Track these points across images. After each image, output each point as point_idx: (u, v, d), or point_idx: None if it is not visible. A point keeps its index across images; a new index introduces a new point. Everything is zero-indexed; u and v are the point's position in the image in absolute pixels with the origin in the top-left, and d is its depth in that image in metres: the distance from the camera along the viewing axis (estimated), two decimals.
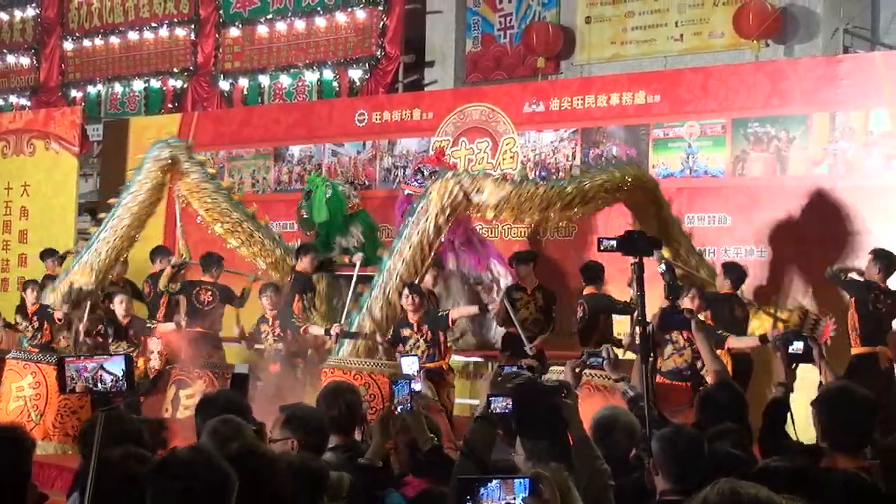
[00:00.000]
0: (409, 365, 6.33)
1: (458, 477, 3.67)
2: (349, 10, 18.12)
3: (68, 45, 21.71)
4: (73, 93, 21.42)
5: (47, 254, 14.76)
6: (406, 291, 11.11)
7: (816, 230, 11.27)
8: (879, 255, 10.08)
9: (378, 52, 17.69)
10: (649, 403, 5.56)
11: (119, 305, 12.05)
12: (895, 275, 10.07)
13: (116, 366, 3.61)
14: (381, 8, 17.69)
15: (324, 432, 5.21)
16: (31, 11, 22.27)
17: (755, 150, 11.90)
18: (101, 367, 3.59)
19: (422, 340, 10.94)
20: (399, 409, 5.26)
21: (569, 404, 4.91)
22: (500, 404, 4.84)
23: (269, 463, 3.97)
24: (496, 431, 4.86)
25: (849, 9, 14.37)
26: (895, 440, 4.64)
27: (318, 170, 15.02)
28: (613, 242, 5.92)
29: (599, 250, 6.21)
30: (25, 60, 22.39)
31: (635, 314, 6.81)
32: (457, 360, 11.93)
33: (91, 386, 3.62)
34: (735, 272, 10.64)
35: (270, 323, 11.75)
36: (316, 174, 14.59)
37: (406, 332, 10.99)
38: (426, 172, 13.26)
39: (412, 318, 11.00)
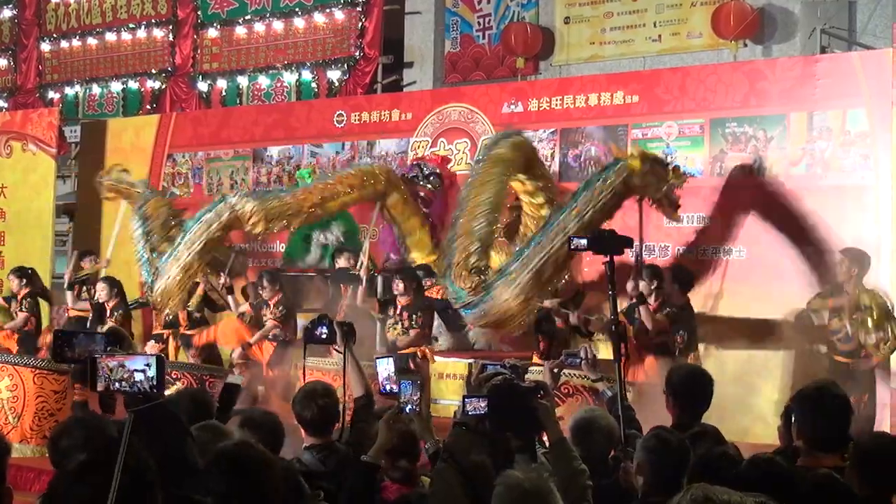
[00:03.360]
0: (385, 367, 6.28)
1: None
2: (327, 10, 18.11)
3: (46, 47, 21.64)
4: (51, 94, 21.36)
5: (85, 254, 14.72)
6: (395, 277, 11.23)
7: (794, 230, 11.29)
8: (851, 254, 10.04)
9: (357, 53, 17.68)
10: (625, 403, 5.56)
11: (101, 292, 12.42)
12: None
13: (144, 364, 3.57)
14: (359, 9, 17.67)
15: (279, 434, 5.23)
16: (7, 12, 22.17)
17: (733, 150, 11.91)
18: (129, 367, 3.54)
19: (399, 325, 11.05)
20: (407, 408, 5.24)
21: (545, 405, 4.91)
22: (475, 405, 4.83)
23: (264, 463, 3.96)
24: (475, 436, 4.86)
25: (826, 9, 14.42)
26: (866, 442, 4.64)
27: (308, 166, 14.99)
28: (584, 241, 5.91)
29: (570, 249, 6.19)
30: (2, 62, 22.31)
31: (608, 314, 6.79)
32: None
33: (112, 385, 3.57)
34: (684, 277, 10.68)
35: (272, 308, 12.04)
36: (307, 171, 14.60)
37: (390, 309, 11.16)
38: (426, 171, 13.35)
39: (399, 300, 11.08)
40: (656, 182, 10.68)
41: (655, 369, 10.01)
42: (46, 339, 12.76)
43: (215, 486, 3.70)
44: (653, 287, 10.42)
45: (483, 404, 4.83)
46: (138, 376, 3.52)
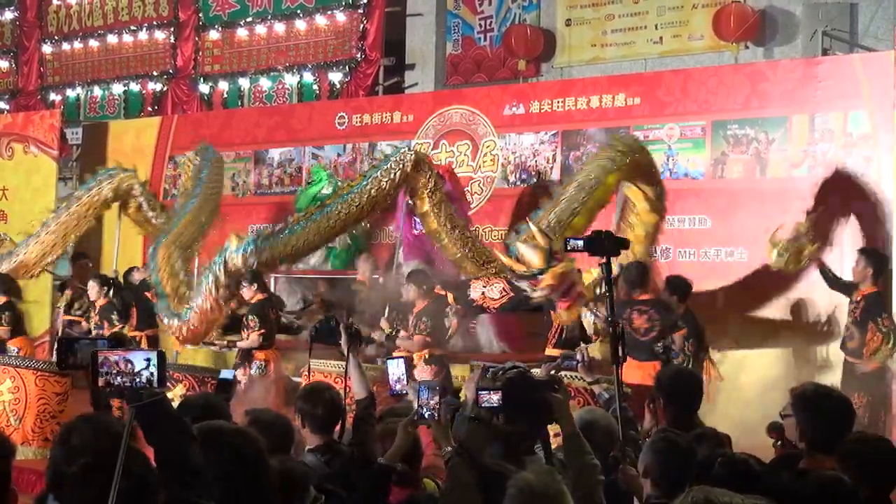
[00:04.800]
0: (396, 368, 6.23)
1: None
2: (329, 12, 18.10)
3: (47, 49, 21.64)
4: (53, 96, 21.35)
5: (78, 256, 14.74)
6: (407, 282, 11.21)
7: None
8: (867, 254, 10.05)
9: (358, 55, 17.67)
10: (622, 405, 5.56)
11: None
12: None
13: (145, 360, 3.59)
14: (361, 11, 17.67)
15: (288, 435, 5.23)
16: (9, 14, 22.17)
17: (735, 152, 11.93)
18: (129, 361, 3.56)
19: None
20: (426, 414, 5.22)
21: (559, 399, 4.90)
22: (489, 398, 4.82)
23: (261, 452, 3.97)
24: (489, 431, 4.85)
25: (828, 11, 14.41)
26: (860, 443, 4.64)
27: (324, 163, 14.97)
28: (580, 242, 5.89)
29: (566, 251, 6.17)
30: (4, 64, 22.30)
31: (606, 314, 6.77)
32: None
33: (113, 380, 3.58)
34: (681, 287, 10.44)
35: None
36: (321, 167, 14.60)
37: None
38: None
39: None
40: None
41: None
42: None
43: (217, 471, 3.69)
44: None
45: (496, 397, 4.82)
46: (140, 371, 3.53)
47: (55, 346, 11.46)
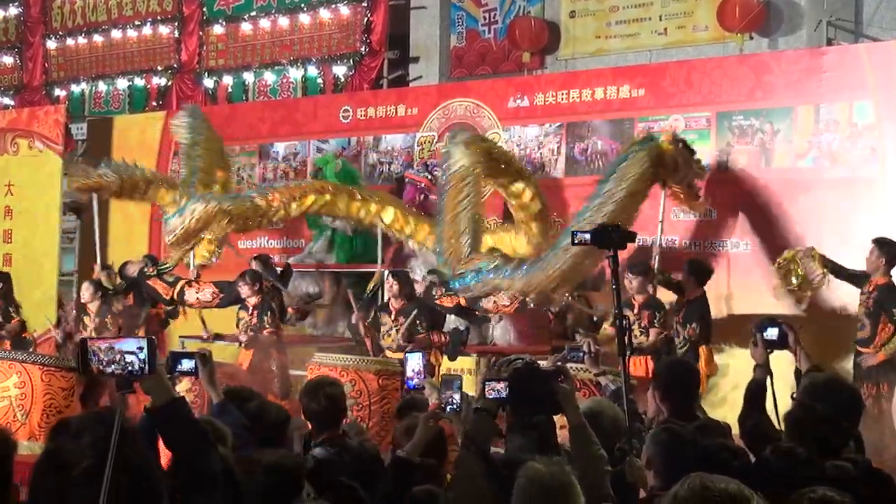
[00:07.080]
0: (415, 362, 6.23)
1: None
2: (333, 6, 18.11)
3: (52, 44, 21.67)
4: (57, 91, 21.38)
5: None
6: (389, 278, 11.25)
7: (801, 223, 11.27)
8: (881, 244, 10.00)
9: (362, 49, 17.68)
10: (629, 397, 5.56)
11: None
12: None
13: (136, 347, 3.58)
14: (364, 4, 17.68)
15: (282, 427, 5.24)
16: (13, 10, 22.21)
17: (740, 143, 11.90)
18: (120, 349, 3.55)
19: (394, 330, 10.99)
20: (447, 409, 5.23)
21: (565, 389, 4.89)
22: (495, 387, 4.82)
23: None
24: (495, 422, 4.85)
25: (832, 1, 14.39)
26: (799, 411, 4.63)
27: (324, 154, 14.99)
28: (587, 236, 5.89)
29: (573, 244, 6.18)
30: (9, 59, 22.33)
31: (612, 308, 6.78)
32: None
33: (104, 368, 3.58)
34: (700, 271, 10.61)
35: (250, 311, 11.76)
36: (329, 154, 14.61)
37: (383, 317, 11.11)
38: (430, 166, 13.40)
39: (392, 304, 11.07)
40: (684, 165, 10.83)
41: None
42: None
43: None
44: (649, 285, 10.36)
45: (503, 387, 4.82)
46: (130, 359, 3.53)
47: (77, 349, 11.47)
